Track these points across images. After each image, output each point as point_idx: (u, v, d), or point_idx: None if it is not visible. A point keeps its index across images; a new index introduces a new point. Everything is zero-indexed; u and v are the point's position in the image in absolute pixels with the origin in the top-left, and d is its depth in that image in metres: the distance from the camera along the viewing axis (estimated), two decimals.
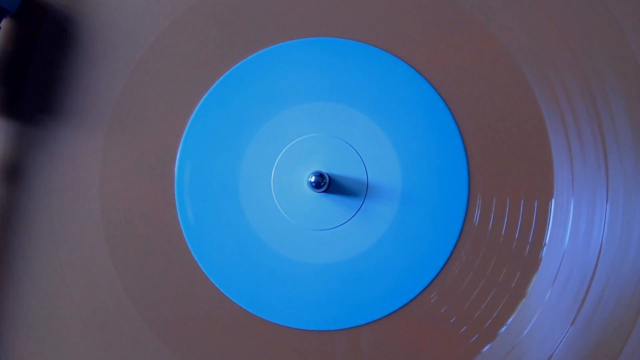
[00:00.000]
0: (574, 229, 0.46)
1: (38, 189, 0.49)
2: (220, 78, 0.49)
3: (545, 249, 0.46)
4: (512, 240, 0.46)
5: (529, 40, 0.47)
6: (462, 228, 0.47)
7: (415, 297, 0.47)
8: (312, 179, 0.45)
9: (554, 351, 0.46)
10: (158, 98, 0.49)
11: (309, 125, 0.48)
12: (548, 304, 0.46)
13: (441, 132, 0.47)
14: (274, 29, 0.49)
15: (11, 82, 0.50)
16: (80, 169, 0.49)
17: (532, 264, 0.46)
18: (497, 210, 0.46)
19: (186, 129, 0.49)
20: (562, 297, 0.46)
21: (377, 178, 0.47)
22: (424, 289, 0.47)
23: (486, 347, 0.46)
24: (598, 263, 0.45)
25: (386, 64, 0.48)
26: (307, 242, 0.47)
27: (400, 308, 0.47)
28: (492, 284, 0.46)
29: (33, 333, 0.49)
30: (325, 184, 0.45)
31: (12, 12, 0.49)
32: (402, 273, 0.47)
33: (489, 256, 0.46)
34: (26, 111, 0.49)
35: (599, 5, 0.46)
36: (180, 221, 0.48)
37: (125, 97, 0.49)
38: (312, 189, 0.46)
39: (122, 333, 0.49)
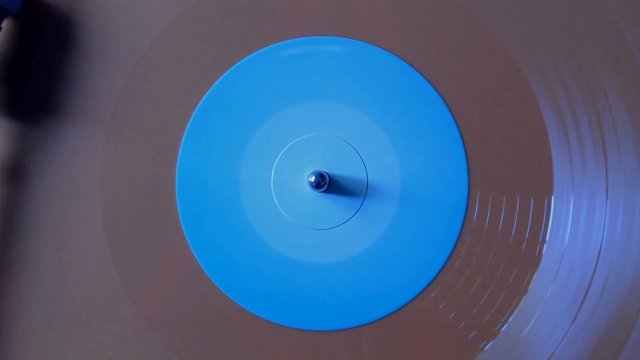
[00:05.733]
0: (574, 226, 0.46)
1: (39, 188, 0.49)
2: (220, 78, 0.49)
3: (545, 245, 0.46)
4: (513, 237, 0.46)
5: (529, 40, 0.47)
6: (462, 227, 0.47)
7: (415, 297, 0.47)
8: (312, 178, 0.45)
9: (556, 349, 0.45)
10: (158, 98, 0.49)
11: (309, 125, 0.48)
12: (549, 300, 0.46)
13: (441, 132, 0.47)
14: (274, 29, 0.49)
15: (12, 82, 0.50)
16: (80, 169, 0.49)
17: (533, 260, 0.46)
18: (497, 208, 0.46)
19: (186, 128, 0.49)
20: (563, 294, 0.46)
21: (377, 178, 0.47)
22: (425, 288, 0.47)
23: (488, 345, 0.46)
24: (599, 259, 0.45)
25: (386, 63, 0.48)
26: (307, 242, 0.47)
27: (400, 308, 0.47)
28: (493, 281, 0.46)
29: (33, 333, 0.49)
30: (325, 183, 0.45)
31: (14, 12, 0.49)
32: (402, 273, 0.47)
33: (490, 254, 0.46)
34: (27, 111, 0.49)
35: (599, 5, 0.47)
36: (181, 221, 0.48)
37: (125, 97, 0.49)
38: (312, 188, 0.46)
39: (122, 333, 0.49)
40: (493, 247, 0.46)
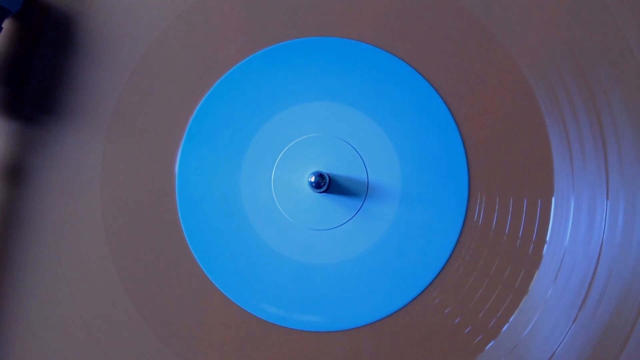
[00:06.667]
0: (574, 226, 0.46)
1: (39, 189, 0.49)
2: (221, 78, 0.49)
3: (546, 246, 0.46)
4: (513, 238, 0.46)
5: (529, 40, 0.47)
6: (463, 227, 0.47)
7: (416, 297, 0.47)
8: (312, 179, 0.45)
9: (557, 349, 0.45)
10: (158, 98, 0.49)
11: (309, 125, 0.48)
12: (550, 301, 0.46)
13: (441, 132, 0.47)
14: (274, 29, 0.49)
15: (13, 82, 0.50)
16: (80, 169, 0.49)
17: (533, 261, 0.46)
18: (498, 208, 0.46)
19: (187, 129, 0.49)
20: (564, 294, 0.46)
21: (377, 178, 0.47)
22: (425, 288, 0.47)
23: (489, 345, 0.46)
24: (599, 260, 0.45)
25: (386, 63, 0.48)
26: (307, 242, 0.47)
27: (401, 308, 0.47)
28: (493, 282, 0.46)
29: (33, 333, 0.49)
30: (325, 184, 0.45)
31: (14, 12, 0.49)
32: (402, 273, 0.47)
33: (489, 254, 0.46)
34: (27, 111, 0.49)
35: (599, 6, 0.47)
36: (181, 221, 0.48)
37: (125, 97, 0.49)
38: (312, 189, 0.46)
39: (122, 333, 0.49)
40: (493, 247, 0.46)
